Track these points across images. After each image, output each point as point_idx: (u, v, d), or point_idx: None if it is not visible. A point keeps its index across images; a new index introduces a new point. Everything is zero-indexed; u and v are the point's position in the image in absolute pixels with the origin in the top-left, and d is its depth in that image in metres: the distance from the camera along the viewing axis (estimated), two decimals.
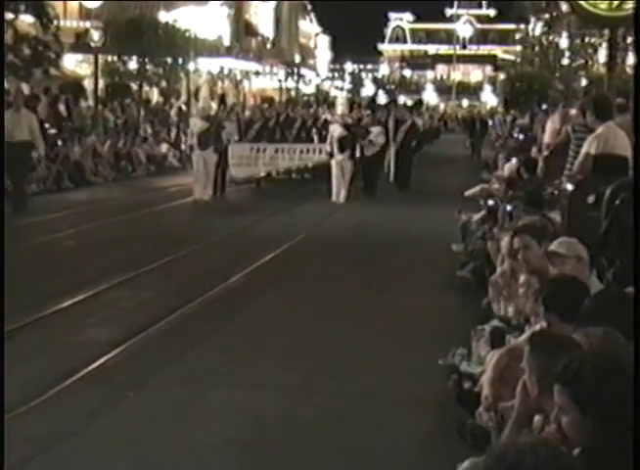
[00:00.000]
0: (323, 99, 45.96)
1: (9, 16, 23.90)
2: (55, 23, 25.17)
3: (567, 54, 32.66)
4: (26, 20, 24.90)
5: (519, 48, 48.99)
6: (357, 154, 19.30)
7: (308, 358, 7.33)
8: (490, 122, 45.80)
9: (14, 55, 22.92)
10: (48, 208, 16.53)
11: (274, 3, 64.42)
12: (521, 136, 22.98)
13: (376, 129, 20.04)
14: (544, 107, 29.07)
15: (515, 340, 5.42)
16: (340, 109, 20.30)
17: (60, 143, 21.75)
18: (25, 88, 25.37)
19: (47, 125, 22.08)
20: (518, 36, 47.78)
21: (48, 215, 15.49)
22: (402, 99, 55.17)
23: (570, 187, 7.99)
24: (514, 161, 13.98)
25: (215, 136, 18.89)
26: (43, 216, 15.31)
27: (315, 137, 21.67)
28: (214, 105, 25.31)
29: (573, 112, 12.09)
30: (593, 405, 2.80)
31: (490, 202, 11.30)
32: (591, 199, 7.02)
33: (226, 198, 19.50)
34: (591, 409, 2.80)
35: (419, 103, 33.38)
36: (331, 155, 18.84)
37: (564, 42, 33.84)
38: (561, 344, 3.59)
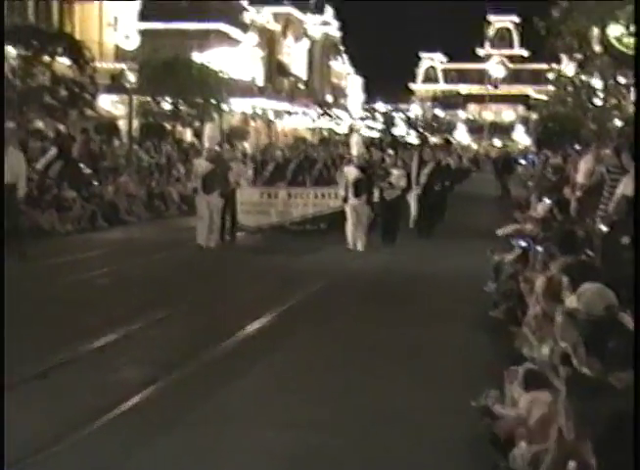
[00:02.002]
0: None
1: (46, 58, 24.41)
2: (91, 64, 25.63)
3: (600, 94, 32.57)
4: (64, 62, 25.37)
5: (551, 88, 48.97)
6: (376, 198, 17.97)
7: (339, 396, 7.30)
8: (523, 161, 45.64)
9: (51, 96, 23.32)
10: (83, 247, 16.74)
11: (307, 44, 65.14)
12: (553, 176, 22.88)
13: (397, 171, 18.63)
14: (577, 147, 28.97)
15: (550, 382, 5.37)
16: (355, 149, 17.82)
17: (95, 183, 22.02)
18: (62, 129, 25.81)
19: (82, 165, 22.39)
20: (550, 76, 47.80)
21: (83, 254, 15.65)
22: (434, 139, 55.23)
23: (604, 228, 7.96)
24: (547, 201, 13.92)
25: (221, 179, 17.40)
26: (78, 255, 15.46)
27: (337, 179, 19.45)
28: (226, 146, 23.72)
29: (607, 152, 12.04)
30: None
31: (523, 243, 11.24)
32: (626, 240, 6.98)
33: (235, 244, 18.16)
34: None
35: (447, 142, 32.72)
36: (345, 199, 17.36)
37: (597, 82, 33.76)
38: (598, 388, 3.56)
